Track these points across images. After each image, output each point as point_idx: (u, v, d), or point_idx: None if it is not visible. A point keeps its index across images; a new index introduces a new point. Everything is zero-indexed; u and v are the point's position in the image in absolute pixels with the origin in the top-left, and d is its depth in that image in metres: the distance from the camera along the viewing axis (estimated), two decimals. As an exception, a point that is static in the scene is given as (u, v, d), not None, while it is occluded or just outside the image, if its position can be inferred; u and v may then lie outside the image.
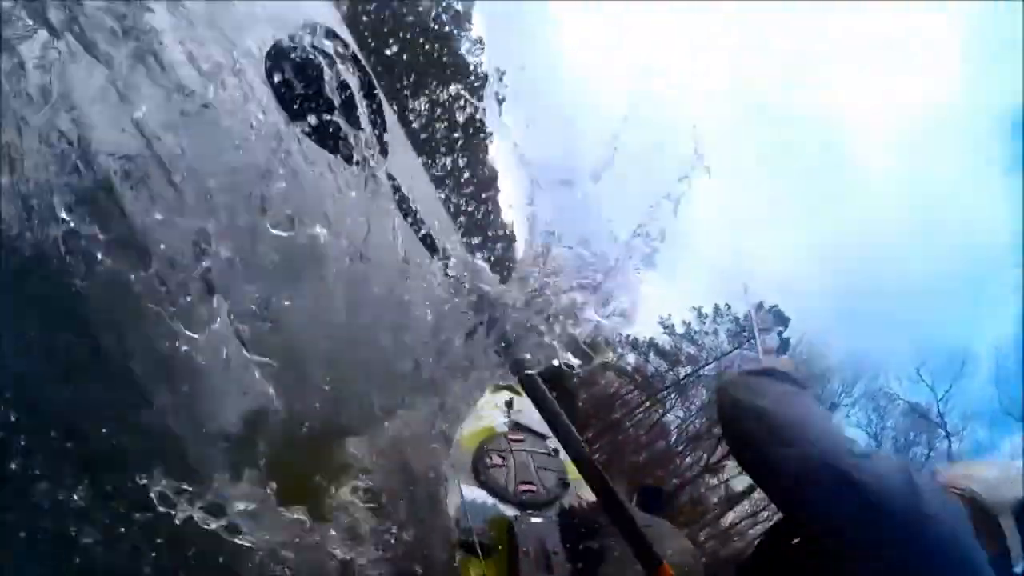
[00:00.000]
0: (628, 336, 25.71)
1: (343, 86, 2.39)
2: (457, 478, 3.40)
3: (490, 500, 3.35)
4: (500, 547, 3.00)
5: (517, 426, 4.11)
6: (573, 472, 3.62)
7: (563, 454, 3.73)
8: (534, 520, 3.13)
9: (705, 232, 23.00)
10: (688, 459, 25.39)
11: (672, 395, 26.10)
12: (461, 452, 3.74)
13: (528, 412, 4.26)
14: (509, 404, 4.32)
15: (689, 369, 26.44)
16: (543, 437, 4.01)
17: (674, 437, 26.10)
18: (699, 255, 24.53)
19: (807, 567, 1.76)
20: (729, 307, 26.19)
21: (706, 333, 27.36)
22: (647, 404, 25.34)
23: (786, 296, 25.23)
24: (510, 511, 3.27)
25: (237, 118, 2.43)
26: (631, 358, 27.38)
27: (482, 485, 3.46)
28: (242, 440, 2.69)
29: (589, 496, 3.28)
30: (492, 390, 4.67)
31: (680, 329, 27.71)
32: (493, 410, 4.30)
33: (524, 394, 4.59)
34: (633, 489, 3.38)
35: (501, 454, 3.69)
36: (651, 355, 27.74)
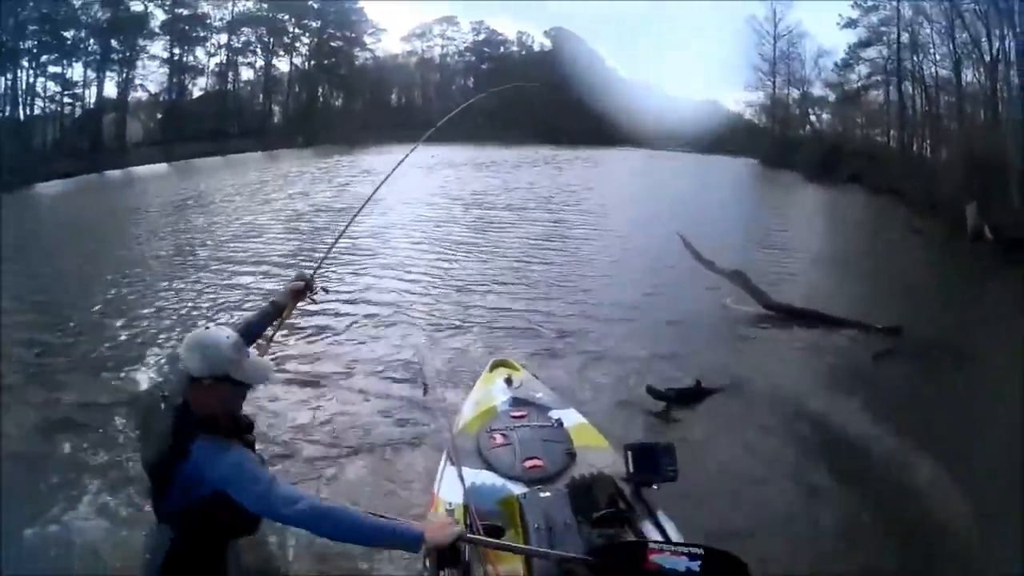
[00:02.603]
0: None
1: None
2: (458, 466, 3.39)
3: (499, 481, 3.34)
4: (514, 526, 3.04)
5: (519, 402, 4.09)
6: (579, 441, 3.64)
7: (567, 424, 3.79)
8: (543, 495, 3.11)
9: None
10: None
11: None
12: (466, 438, 3.76)
13: (528, 386, 4.33)
14: (508, 381, 4.32)
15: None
16: (546, 409, 3.99)
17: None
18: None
19: None
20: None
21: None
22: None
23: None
24: (518, 489, 3.25)
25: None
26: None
27: (489, 467, 3.46)
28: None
29: (596, 464, 3.34)
30: (489, 369, 4.75)
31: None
32: (493, 390, 4.29)
33: (521, 369, 4.64)
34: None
35: (504, 433, 3.67)
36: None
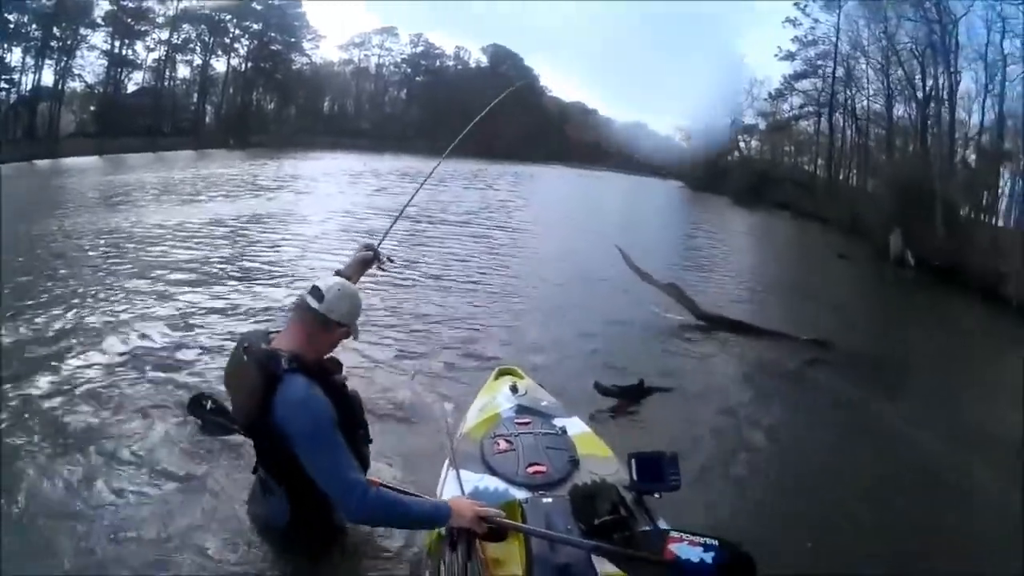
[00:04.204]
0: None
1: None
2: (457, 469, 3.36)
3: (501, 485, 3.30)
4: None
5: (523, 409, 4.06)
6: (583, 449, 3.62)
7: (571, 432, 3.78)
8: (545, 500, 3.09)
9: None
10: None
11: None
12: (469, 442, 3.73)
13: (533, 395, 4.29)
14: (514, 389, 4.28)
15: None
16: (550, 417, 3.97)
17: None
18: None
19: None
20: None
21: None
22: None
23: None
24: (521, 494, 3.21)
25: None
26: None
27: (491, 471, 3.42)
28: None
29: (599, 472, 3.31)
30: (495, 376, 4.72)
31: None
32: (498, 397, 4.26)
33: (526, 377, 4.60)
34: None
35: (508, 439, 3.65)
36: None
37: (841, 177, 33.86)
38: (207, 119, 46.68)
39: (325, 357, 2.95)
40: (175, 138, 39.97)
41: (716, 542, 2.47)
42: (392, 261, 4.00)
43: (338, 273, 3.49)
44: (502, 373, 4.74)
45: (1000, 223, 23.80)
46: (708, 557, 2.43)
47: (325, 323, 2.80)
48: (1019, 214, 22.99)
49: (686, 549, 2.47)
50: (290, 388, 2.61)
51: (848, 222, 25.55)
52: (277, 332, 2.88)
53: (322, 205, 20.45)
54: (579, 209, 27.25)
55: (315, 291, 2.81)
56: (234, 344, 3.06)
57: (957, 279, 18.57)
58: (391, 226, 4.35)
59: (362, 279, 3.85)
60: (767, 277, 16.89)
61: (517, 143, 49.50)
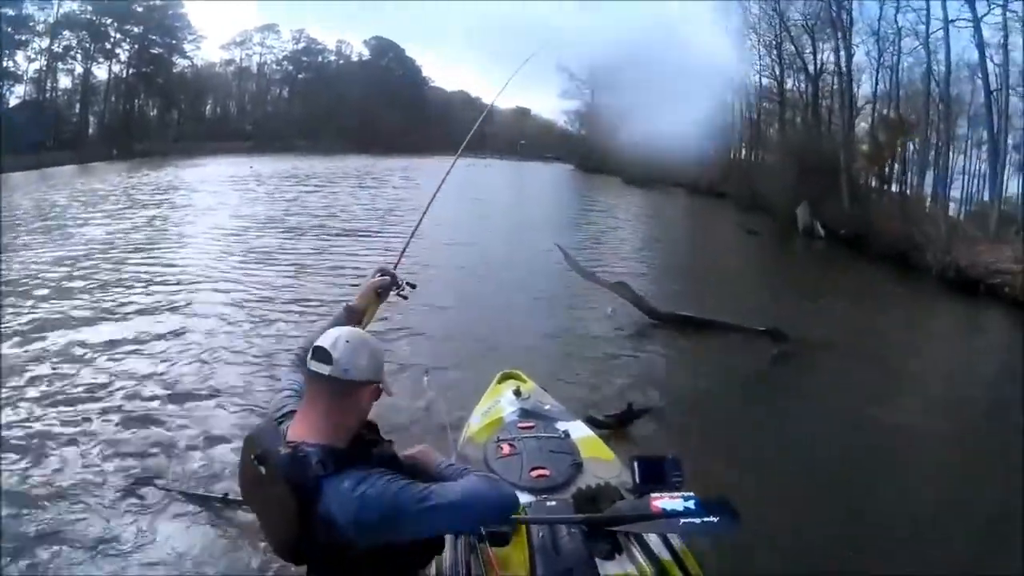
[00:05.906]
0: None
1: None
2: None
3: None
4: (517, 534, 2.96)
5: (526, 413, 4.10)
6: (586, 453, 3.66)
7: (574, 436, 3.83)
8: (549, 504, 3.14)
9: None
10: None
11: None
12: (473, 447, 3.77)
13: (536, 399, 4.33)
14: (517, 393, 4.30)
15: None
16: (554, 421, 4.02)
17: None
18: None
19: None
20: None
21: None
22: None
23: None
24: (525, 498, 3.20)
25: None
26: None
27: (495, 476, 3.28)
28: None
29: (602, 475, 3.37)
30: (498, 380, 4.73)
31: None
32: (501, 401, 4.29)
33: (529, 381, 4.62)
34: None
35: (511, 443, 3.67)
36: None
37: (731, 153, 34.46)
38: (90, 129, 45.22)
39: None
40: (58, 152, 38.12)
41: (693, 494, 2.56)
42: (414, 287, 3.25)
43: (349, 308, 2.85)
44: (505, 377, 4.74)
45: (895, 189, 24.83)
46: (691, 504, 2.52)
47: (345, 389, 2.05)
48: (921, 182, 23.85)
49: (668, 502, 2.55)
50: (335, 494, 1.90)
51: (747, 197, 26.29)
52: (288, 412, 2.17)
53: (206, 222, 18.88)
54: (484, 203, 26.64)
55: (319, 352, 2.03)
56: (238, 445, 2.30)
57: (866, 248, 19.27)
58: (406, 245, 3.60)
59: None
60: (691, 262, 17.18)
61: (400, 136, 49.44)
